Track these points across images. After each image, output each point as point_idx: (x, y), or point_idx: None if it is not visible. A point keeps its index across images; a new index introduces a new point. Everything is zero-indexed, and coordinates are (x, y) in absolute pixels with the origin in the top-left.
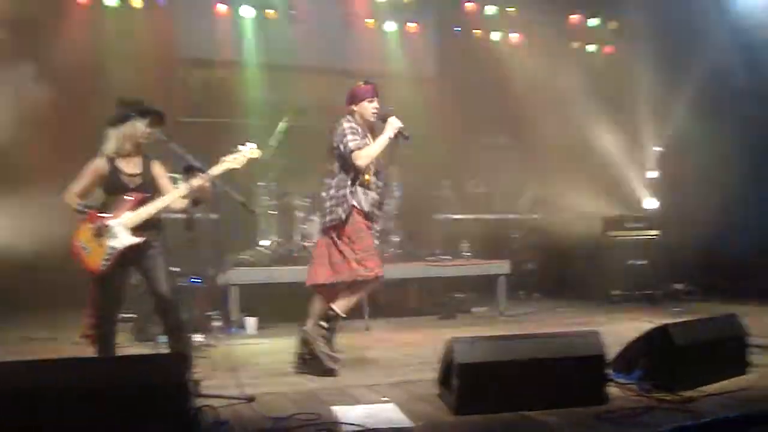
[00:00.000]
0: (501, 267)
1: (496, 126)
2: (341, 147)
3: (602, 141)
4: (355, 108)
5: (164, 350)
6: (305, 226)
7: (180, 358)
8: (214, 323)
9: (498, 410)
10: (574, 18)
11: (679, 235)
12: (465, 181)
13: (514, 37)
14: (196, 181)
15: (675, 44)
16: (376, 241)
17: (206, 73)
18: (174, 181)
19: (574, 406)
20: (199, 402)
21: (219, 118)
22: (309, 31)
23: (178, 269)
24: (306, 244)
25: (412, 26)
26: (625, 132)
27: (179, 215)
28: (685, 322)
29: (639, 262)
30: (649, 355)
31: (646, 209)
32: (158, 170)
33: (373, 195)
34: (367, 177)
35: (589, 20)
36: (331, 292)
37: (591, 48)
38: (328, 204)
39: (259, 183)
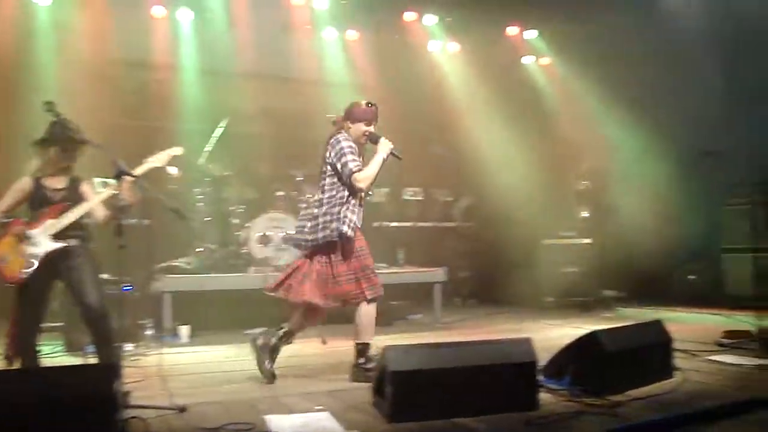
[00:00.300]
0: (437, 275)
1: (434, 134)
2: (338, 165)
3: (535, 150)
4: (350, 125)
5: (93, 360)
6: (241, 233)
7: (108, 369)
8: (147, 332)
9: (432, 417)
10: (512, 30)
11: (610, 243)
12: (401, 189)
13: (453, 46)
14: (120, 185)
15: (604, 54)
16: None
17: (142, 75)
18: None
19: (506, 412)
20: (128, 413)
21: (154, 122)
22: (247, 37)
23: (108, 276)
24: (242, 250)
25: (351, 34)
26: (558, 141)
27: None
28: (613, 328)
29: (571, 269)
30: (579, 361)
31: (578, 218)
32: (86, 188)
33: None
34: (362, 194)
35: (525, 32)
36: (317, 309)
37: (528, 59)
38: (320, 220)
39: (194, 189)
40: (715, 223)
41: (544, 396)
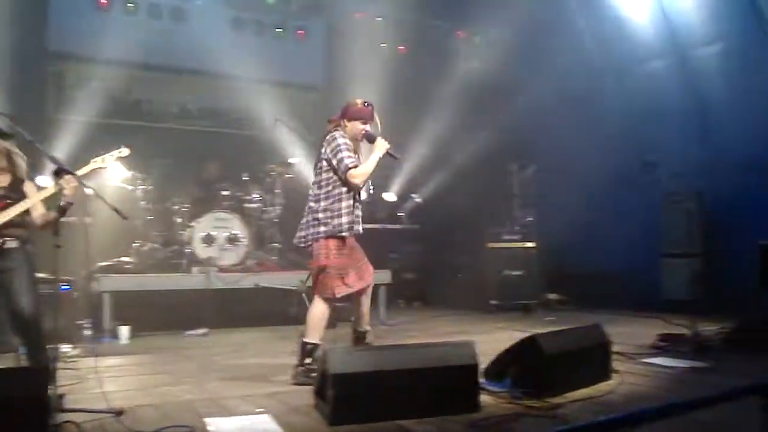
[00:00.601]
0: (382, 277)
1: (381, 135)
2: (334, 161)
3: (480, 153)
4: (346, 123)
5: (25, 363)
6: (184, 233)
7: (40, 372)
8: (85, 332)
9: (373, 420)
10: (461, 33)
11: (553, 248)
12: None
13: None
14: (61, 183)
15: (538, 60)
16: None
17: (84, 70)
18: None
19: (447, 414)
20: (62, 417)
21: (97, 117)
22: (194, 33)
23: (45, 275)
24: (186, 250)
25: (300, 33)
26: (505, 145)
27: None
28: (553, 331)
29: (515, 273)
30: (520, 363)
31: (522, 221)
32: (29, 188)
33: (359, 211)
34: (360, 192)
35: (474, 36)
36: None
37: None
38: (320, 215)
39: (138, 187)
40: (653, 229)
41: (485, 398)
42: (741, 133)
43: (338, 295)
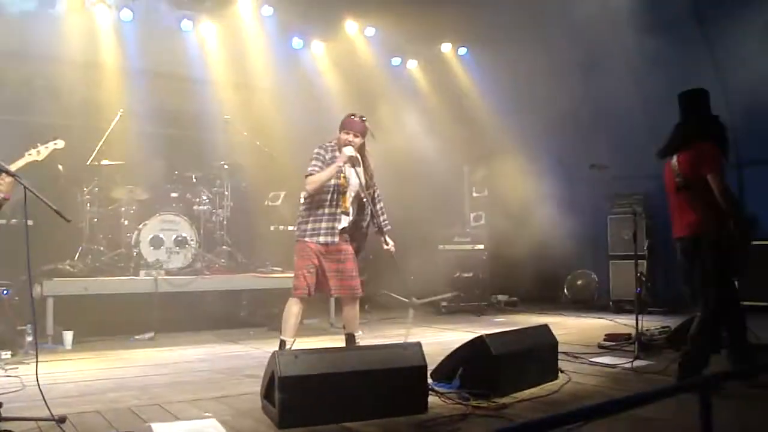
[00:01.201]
0: None
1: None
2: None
3: (434, 158)
4: (339, 134)
5: None
6: (131, 235)
7: None
8: (27, 338)
9: (321, 422)
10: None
11: (503, 250)
12: (299, 193)
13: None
14: None
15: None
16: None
17: (24, 69)
18: None
19: (396, 415)
20: (1, 426)
21: (40, 117)
22: (143, 32)
23: None
24: (133, 253)
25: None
26: (456, 150)
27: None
28: (501, 332)
29: (466, 274)
30: (468, 364)
31: (473, 224)
32: None
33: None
34: (344, 202)
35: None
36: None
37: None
38: (299, 219)
39: (83, 188)
40: (600, 231)
41: (433, 399)
42: None
43: (297, 296)
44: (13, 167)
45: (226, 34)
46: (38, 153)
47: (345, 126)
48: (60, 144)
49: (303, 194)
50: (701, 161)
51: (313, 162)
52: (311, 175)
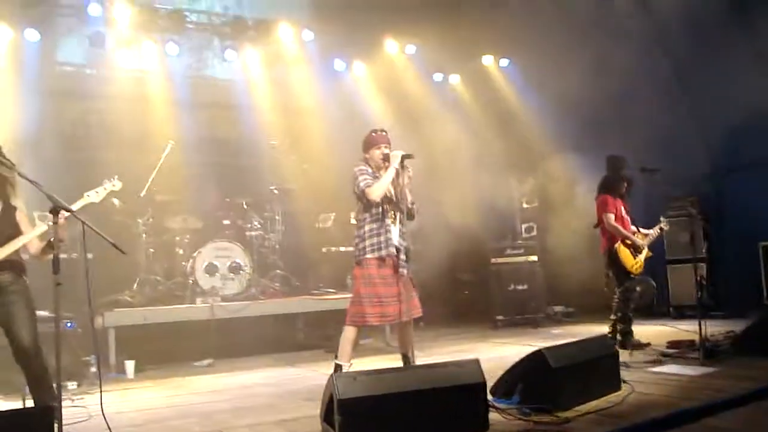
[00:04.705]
0: None
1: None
2: (357, 191)
3: (481, 172)
4: (367, 156)
5: (30, 401)
6: (186, 264)
7: (44, 411)
8: (91, 368)
9: None
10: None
11: (556, 260)
12: (349, 214)
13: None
14: (55, 220)
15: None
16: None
17: (79, 107)
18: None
19: None
20: None
21: (93, 153)
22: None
23: (46, 313)
24: (188, 281)
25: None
26: (505, 161)
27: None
28: (559, 345)
29: (520, 287)
30: (527, 378)
31: (525, 236)
32: (21, 218)
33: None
34: (392, 213)
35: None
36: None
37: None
38: (355, 242)
39: (137, 220)
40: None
41: (494, 416)
42: None
43: (355, 324)
44: (73, 207)
45: (269, 61)
46: (96, 194)
47: (373, 142)
48: (117, 186)
49: (358, 210)
50: None
51: (362, 177)
52: (369, 186)
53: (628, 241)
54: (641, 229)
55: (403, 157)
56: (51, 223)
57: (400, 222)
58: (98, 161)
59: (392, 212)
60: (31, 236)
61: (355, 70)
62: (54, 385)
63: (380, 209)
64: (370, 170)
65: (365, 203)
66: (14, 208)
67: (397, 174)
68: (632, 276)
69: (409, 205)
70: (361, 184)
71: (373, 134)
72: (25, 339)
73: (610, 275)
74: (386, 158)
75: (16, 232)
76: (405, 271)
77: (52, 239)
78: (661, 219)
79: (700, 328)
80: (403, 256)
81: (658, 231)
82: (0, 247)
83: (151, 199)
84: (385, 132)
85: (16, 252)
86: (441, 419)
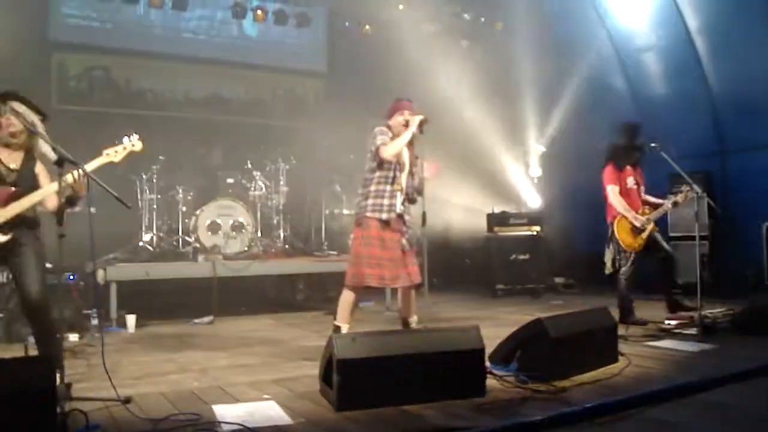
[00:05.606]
0: None
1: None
2: (372, 149)
3: (488, 139)
4: (390, 123)
5: (34, 352)
6: (189, 221)
7: (47, 361)
8: (92, 322)
9: (379, 405)
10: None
11: (560, 231)
12: (353, 176)
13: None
14: (71, 177)
15: (555, 49)
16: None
17: (85, 60)
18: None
19: (453, 398)
20: (70, 406)
21: (100, 107)
22: (200, 21)
23: (50, 266)
24: (191, 238)
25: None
26: (510, 131)
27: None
28: (559, 314)
29: (522, 257)
30: (526, 347)
31: (528, 206)
32: (40, 172)
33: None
34: (400, 181)
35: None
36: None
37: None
38: (358, 199)
39: (142, 175)
40: None
41: (491, 382)
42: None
43: (352, 285)
44: (89, 167)
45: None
46: (116, 153)
47: (398, 108)
48: (138, 146)
49: (368, 168)
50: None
51: (380, 137)
52: (384, 144)
53: (628, 219)
54: (652, 198)
55: (421, 122)
56: (65, 179)
57: (407, 195)
58: (102, 117)
59: (400, 181)
60: (50, 191)
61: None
62: (59, 337)
63: (391, 173)
64: (390, 134)
65: (378, 162)
66: (35, 160)
67: (413, 139)
68: (630, 253)
69: (413, 189)
70: (378, 141)
71: (399, 101)
72: (33, 293)
73: (611, 247)
74: (407, 124)
75: (36, 185)
76: (405, 241)
77: (69, 194)
78: (683, 189)
79: (699, 306)
80: (404, 226)
81: (672, 204)
82: (19, 200)
83: (154, 156)
84: (411, 101)
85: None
86: (438, 383)
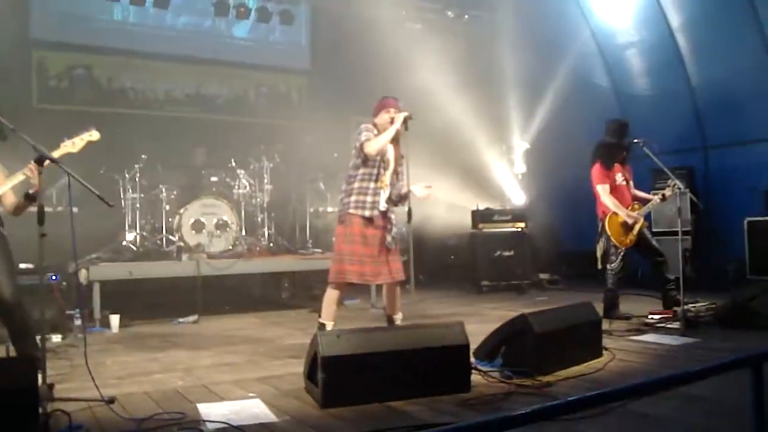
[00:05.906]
0: None
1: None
2: (357, 145)
3: (472, 136)
4: (376, 121)
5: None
6: (173, 220)
7: (28, 362)
8: (75, 322)
9: (364, 402)
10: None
11: (544, 228)
12: (337, 174)
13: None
14: (25, 170)
15: (539, 46)
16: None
17: (68, 58)
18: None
19: (438, 394)
20: (52, 406)
21: (81, 106)
22: (182, 19)
23: (30, 266)
24: (174, 237)
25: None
26: (494, 128)
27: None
28: (543, 310)
29: (506, 254)
30: (510, 342)
31: (513, 203)
32: None
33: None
34: (384, 179)
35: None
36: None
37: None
38: (341, 196)
39: (125, 174)
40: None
41: (476, 378)
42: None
43: (335, 281)
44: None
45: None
46: (73, 144)
47: (384, 106)
48: (95, 135)
49: (352, 165)
50: None
51: (365, 133)
52: (368, 140)
53: (620, 217)
54: (640, 193)
55: (406, 119)
56: (26, 173)
57: (390, 195)
58: (83, 116)
59: (384, 179)
60: (6, 187)
61: None
62: (38, 338)
63: (375, 171)
64: (376, 132)
65: (362, 159)
66: None
67: (397, 136)
68: (621, 248)
69: (397, 193)
70: (362, 137)
71: (385, 99)
72: (4, 291)
73: (601, 242)
74: (393, 122)
75: None
76: (390, 238)
77: (29, 191)
78: (669, 183)
79: (682, 300)
80: (390, 224)
81: (660, 199)
82: None
83: (137, 154)
84: (397, 99)
85: None
86: (424, 379)
